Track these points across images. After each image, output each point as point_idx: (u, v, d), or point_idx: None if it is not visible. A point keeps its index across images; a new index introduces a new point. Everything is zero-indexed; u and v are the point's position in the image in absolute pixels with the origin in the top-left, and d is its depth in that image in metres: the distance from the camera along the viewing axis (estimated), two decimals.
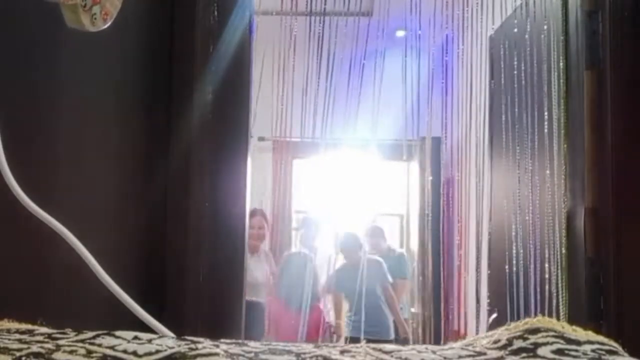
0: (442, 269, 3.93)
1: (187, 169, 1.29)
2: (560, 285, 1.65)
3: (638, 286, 1.40)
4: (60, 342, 0.48)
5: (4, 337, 0.50)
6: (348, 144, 3.79)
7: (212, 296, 1.29)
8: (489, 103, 2.42)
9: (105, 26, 0.70)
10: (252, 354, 0.47)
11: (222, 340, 0.52)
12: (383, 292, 3.96)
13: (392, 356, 0.49)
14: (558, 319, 1.10)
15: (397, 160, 4.55)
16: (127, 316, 0.66)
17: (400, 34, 3.08)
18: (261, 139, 4.37)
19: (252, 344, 0.51)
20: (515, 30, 2.09)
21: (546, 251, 1.75)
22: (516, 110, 2.04)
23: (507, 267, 2.08)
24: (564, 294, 1.63)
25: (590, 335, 0.53)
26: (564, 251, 1.64)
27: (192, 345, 0.48)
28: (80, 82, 1.03)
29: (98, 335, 0.50)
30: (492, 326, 2.16)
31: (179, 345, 0.48)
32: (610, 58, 1.46)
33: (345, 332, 4.05)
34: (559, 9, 1.71)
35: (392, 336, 3.98)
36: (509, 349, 0.50)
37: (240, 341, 0.52)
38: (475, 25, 2.53)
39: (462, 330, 3.47)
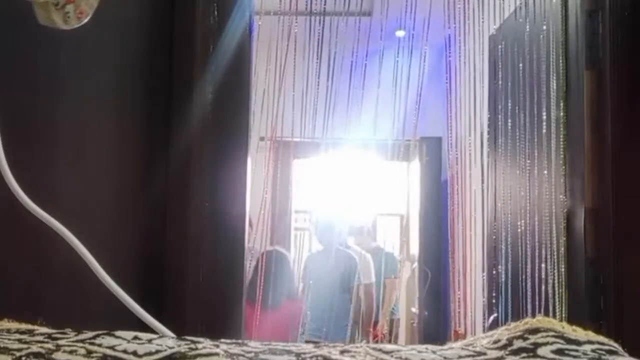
0: (441, 268, 3.93)
1: (187, 169, 1.29)
2: (560, 285, 1.65)
3: (638, 286, 1.40)
4: (60, 342, 0.48)
5: (4, 337, 0.50)
6: (348, 144, 3.78)
7: (211, 296, 1.29)
8: (488, 103, 2.42)
9: (80, 24, 0.70)
10: (252, 354, 0.47)
11: (222, 340, 0.52)
12: (350, 290, 3.79)
13: (392, 356, 0.49)
14: (558, 319, 1.10)
15: (397, 160, 4.55)
16: (127, 316, 0.66)
17: (400, 34, 3.08)
18: (261, 139, 4.37)
19: (252, 344, 0.51)
20: (515, 30, 2.09)
21: (546, 251, 1.75)
22: (516, 110, 2.04)
23: (506, 267, 2.08)
24: (564, 294, 1.63)
25: (590, 335, 0.53)
26: (563, 251, 1.64)
27: (192, 345, 0.48)
28: (80, 82, 1.04)
29: (98, 335, 0.50)
30: (492, 326, 2.16)
31: (179, 345, 0.48)
32: (610, 58, 1.46)
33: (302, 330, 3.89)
34: (559, 9, 1.71)
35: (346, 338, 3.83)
36: (509, 349, 0.50)
37: (240, 341, 0.52)
38: (475, 25, 2.53)
39: (462, 330, 3.47)
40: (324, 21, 2.46)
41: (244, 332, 1.40)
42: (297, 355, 0.47)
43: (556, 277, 1.66)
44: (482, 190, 2.53)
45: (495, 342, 0.52)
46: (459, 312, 3.22)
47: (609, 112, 1.45)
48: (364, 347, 0.51)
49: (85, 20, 0.71)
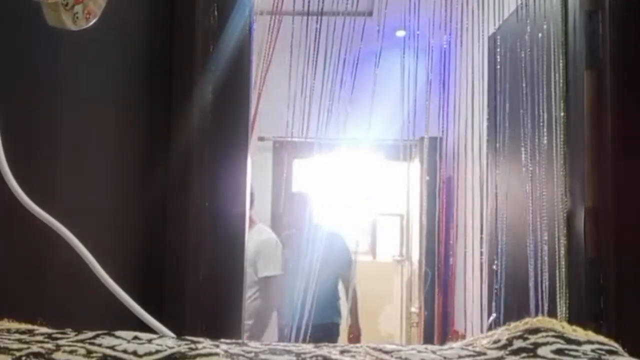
0: (441, 268, 3.93)
1: (187, 169, 1.29)
2: (560, 285, 1.65)
3: (638, 286, 1.40)
4: (60, 342, 0.48)
5: (4, 337, 0.50)
6: (348, 144, 3.78)
7: (212, 296, 1.29)
8: (488, 103, 2.42)
9: (88, 25, 0.70)
10: (252, 354, 0.47)
11: (222, 340, 0.52)
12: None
13: (392, 356, 0.49)
14: (558, 319, 1.09)
15: (397, 160, 4.55)
16: (127, 316, 0.66)
17: (400, 34, 3.08)
18: (261, 139, 4.37)
19: (252, 344, 0.51)
20: (515, 30, 2.09)
21: (546, 251, 1.75)
22: (516, 110, 2.04)
23: (506, 266, 2.08)
24: (564, 294, 1.63)
25: (590, 335, 0.53)
26: (564, 251, 1.64)
27: (192, 345, 0.48)
28: (80, 82, 1.04)
29: (98, 335, 0.50)
30: (492, 326, 2.16)
31: (179, 345, 0.48)
32: (610, 58, 1.46)
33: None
34: (559, 9, 1.71)
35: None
36: (509, 349, 0.50)
37: (240, 341, 0.52)
38: (475, 25, 2.53)
39: (461, 330, 3.48)
40: (327, 21, 2.46)
41: (243, 332, 1.40)
42: (297, 355, 0.47)
43: (556, 277, 1.66)
44: (481, 190, 2.53)
45: (495, 342, 0.52)
46: (454, 311, 3.21)
47: (609, 112, 1.45)
48: (364, 347, 0.51)
49: (94, 21, 0.70)
